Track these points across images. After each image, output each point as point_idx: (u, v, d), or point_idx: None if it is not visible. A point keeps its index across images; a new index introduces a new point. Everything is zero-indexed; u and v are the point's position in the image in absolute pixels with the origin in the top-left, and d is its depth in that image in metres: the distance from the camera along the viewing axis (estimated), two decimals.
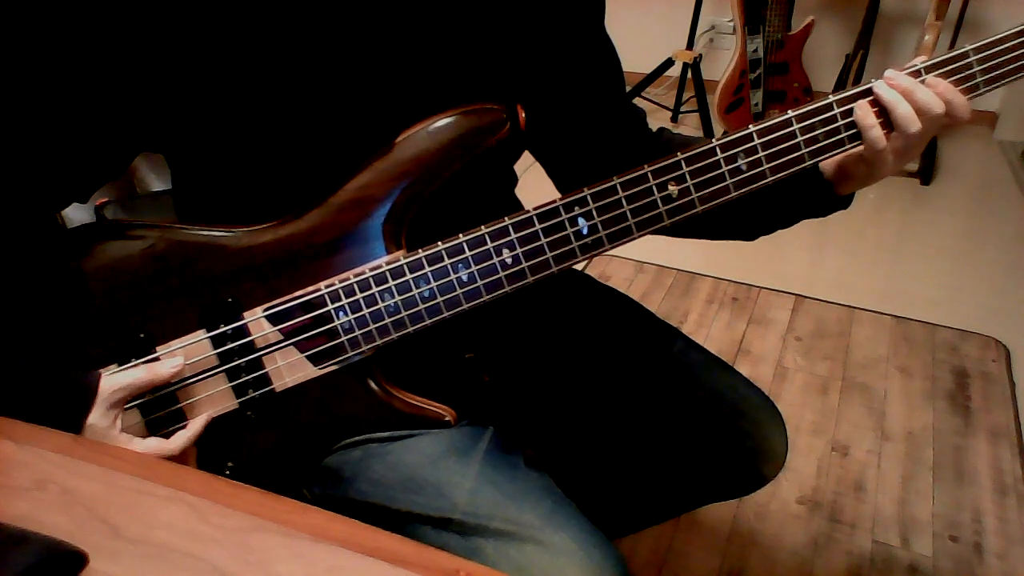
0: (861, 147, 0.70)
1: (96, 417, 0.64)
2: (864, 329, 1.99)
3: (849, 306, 2.07)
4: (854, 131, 0.70)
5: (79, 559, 0.45)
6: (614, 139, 0.83)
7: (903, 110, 0.67)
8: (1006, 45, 0.67)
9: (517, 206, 0.86)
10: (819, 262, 2.31)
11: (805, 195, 0.76)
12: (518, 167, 0.88)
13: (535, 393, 0.89)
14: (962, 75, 0.68)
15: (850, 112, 0.69)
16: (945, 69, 0.68)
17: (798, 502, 1.49)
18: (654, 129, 0.86)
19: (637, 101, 3.08)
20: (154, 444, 0.67)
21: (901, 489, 1.52)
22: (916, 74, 0.68)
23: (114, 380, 0.65)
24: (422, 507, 0.70)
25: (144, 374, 0.66)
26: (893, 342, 1.94)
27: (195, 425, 0.69)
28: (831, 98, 0.69)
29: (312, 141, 0.68)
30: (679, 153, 0.68)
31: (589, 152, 0.83)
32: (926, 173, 2.72)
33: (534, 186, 0.97)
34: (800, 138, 0.69)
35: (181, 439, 0.68)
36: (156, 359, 0.68)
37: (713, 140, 0.69)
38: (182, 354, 0.68)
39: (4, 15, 0.61)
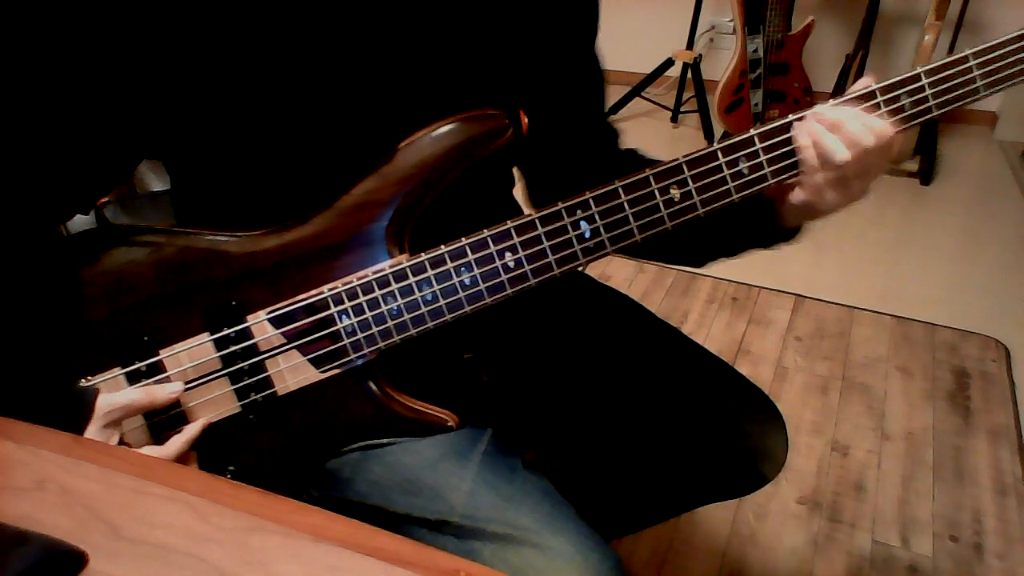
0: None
1: (92, 434, 0.64)
2: (864, 329, 1.99)
3: (849, 306, 2.07)
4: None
5: (79, 559, 0.45)
6: (590, 153, 0.85)
7: (828, 141, 0.67)
8: (1007, 49, 0.67)
9: (515, 207, 0.87)
10: (819, 262, 2.31)
11: (752, 224, 0.77)
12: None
13: (534, 393, 0.89)
14: (962, 79, 0.68)
15: None
16: (944, 73, 0.68)
17: (798, 502, 1.49)
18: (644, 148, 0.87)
19: (637, 101, 3.10)
20: (149, 451, 0.67)
21: (901, 489, 1.52)
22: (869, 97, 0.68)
23: (111, 400, 0.65)
24: (419, 509, 0.70)
25: (142, 397, 0.66)
26: (893, 342, 1.94)
27: (191, 430, 0.68)
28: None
29: (314, 147, 0.68)
30: (680, 157, 0.69)
31: (565, 164, 0.84)
32: (926, 173, 2.72)
33: None
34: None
35: (176, 444, 0.67)
36: (166, 379, 0.68)
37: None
38: (181, 378, 0.68)
39: (5, 22, 0.61)
